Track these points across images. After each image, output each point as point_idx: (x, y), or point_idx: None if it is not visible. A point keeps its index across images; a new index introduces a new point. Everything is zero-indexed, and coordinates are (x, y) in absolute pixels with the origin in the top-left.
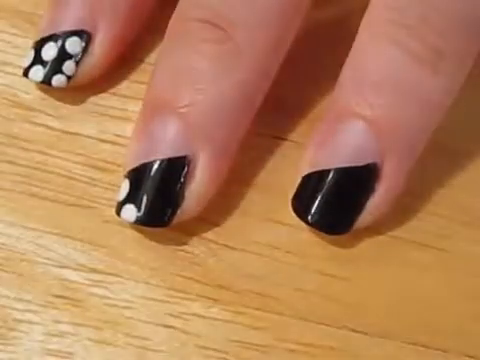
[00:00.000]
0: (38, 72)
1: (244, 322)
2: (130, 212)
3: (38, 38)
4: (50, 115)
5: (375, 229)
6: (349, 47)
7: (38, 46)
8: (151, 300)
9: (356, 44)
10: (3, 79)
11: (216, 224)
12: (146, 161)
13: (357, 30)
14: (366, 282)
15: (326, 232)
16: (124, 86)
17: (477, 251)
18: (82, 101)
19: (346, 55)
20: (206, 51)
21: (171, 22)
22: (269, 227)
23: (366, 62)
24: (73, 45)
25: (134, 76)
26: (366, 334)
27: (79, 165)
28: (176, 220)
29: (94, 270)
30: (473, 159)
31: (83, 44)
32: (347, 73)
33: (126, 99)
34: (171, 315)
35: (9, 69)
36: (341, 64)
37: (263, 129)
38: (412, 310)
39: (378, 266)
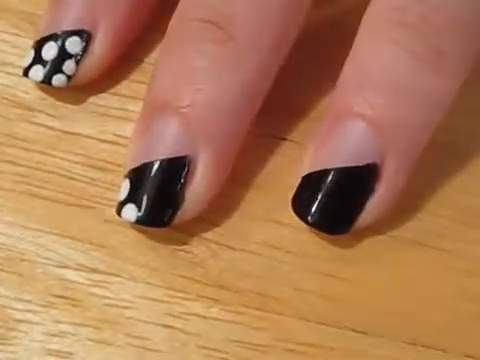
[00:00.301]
0: (38, 72)
1: (244, 322)
2: (131, 212)
3: (38, 38)
4: (50, 115)
5: (375, 229)
6: (349, 47)
7: (38, 46)
8: (151, 300)
9: (356, 44)
10: (3, 79)
11: (216, 224)
12: (146, 161)
13: (357, 30)
14: (366, 282)
15: (326, 232)
16: (124, 86)
17: (477, 251)
18: (82, 101)
19: (346, 55)
20: (206, 51)
21: (171, 22)
22: (269, 227)
23: (366, 62)
24: (73, 45)
25: (134, 76)
26: (366, 334)
27: (79, 165)
28: (177, 220)
29: (94, 270)
30: (473, 159)
31: (83, 44)
32: (347, 73)
33: (126, 99)
34: (171, 315)
35: (9, 69)
36: (341, 64)
37: (263, 129)
38: (412, 310)
39: (378, 266)
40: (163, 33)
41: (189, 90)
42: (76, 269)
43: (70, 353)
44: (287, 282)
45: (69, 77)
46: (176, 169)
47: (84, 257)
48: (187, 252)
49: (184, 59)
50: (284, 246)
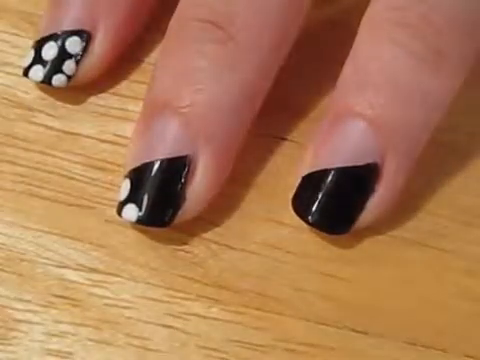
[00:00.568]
0: (38, 72)
1: (244, 322)
2: (131, 212)
3: (38, 38)
4: (50, 115)
5: (375, 229)
6: (349, 47)
7: (38, 46)
8: (151, 300)
9: (356, 44)
10: (3, 79)
11: (216, 224)
12: (147, 161)
13: (357, 30)
14: (366, 282)
15: (326, 232)
16: (124, 86)
17: (477, 251)
18: (82, 101)
19: (346, 55)
20: (206, 51)
21: (171, 22)
22: (269, 227)
23: (366, 62)
24: (73, 45)
25: (134, 76)
26: (366, 334)
27: (79, 165)
28: (177, 220)
29: (94, 270)
30: (473, 159)
31: (83, 44)
32: (347, 73)
33: (126, 99)
34: (171, 315)
35: (9, 69)
36: (341, 64)
37: (263, 129)
38: (412, 310)
39: (378, 266)
40: (163, 33)
41: (189, 90)
42: (76, 269)
43: (70, 353)
44: (287, 282)
45: (69, 77)
46: (176, 169)
47: (84, 257)
48: (187, 252)
49: (184, 59)
50: (284, 246)
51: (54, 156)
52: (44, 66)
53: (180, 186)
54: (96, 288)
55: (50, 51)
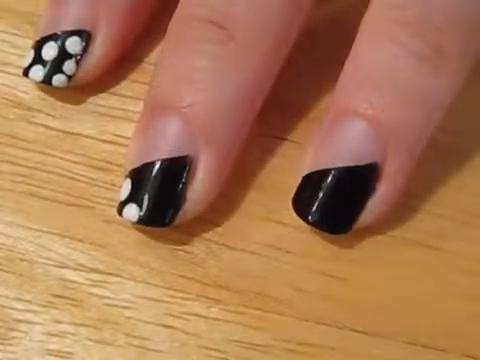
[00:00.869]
0: (38, 72)
1: (244, 322)
2: (132, 212)
3: (38, 38)
4: (50, 115)
5: (375, 229)
6: (349, 47)
7: (38, 46)
8: (151, 300)
9: (356, 43)
10: (3, 79)
11: (216, 224)
12: (148, 161)
13: (357, 30)
14: (366, 282)
15: (327, 231)
16: (124, 86)
17: (477, 251)
18: (82, 101)
19: (346, 55)
20: (207, 51)
21: (172, 22)
22: (269, 227)
23: (367, 61)
24: (73, 45)
25: (134, 76)
26: (366, 334)
27: (79, 165)
28: (178, 220)
29: (94, 270)
30: (473, 159)
31: (83, 44)
32: (348, 72)
33: (126, 99)
34: (171, 315)
35: (9, 69)
36: (341, 64)
37: (264, 129)
38: (412, 310)
39: (378, 266)
40: (163, 33)
41: (190, 90)
42: (76, 269)
43: (70, 353)
44: (287, 282)
45: (69, 77)
46: (177, 169)
47: (84, 257)
48: (187, 252)
49: (185, 59)
50: (284, 246)
51: (54, 156)
52: (44, 66)
53: (181, 186)
54: (96, 288)
55: (50, 51)
